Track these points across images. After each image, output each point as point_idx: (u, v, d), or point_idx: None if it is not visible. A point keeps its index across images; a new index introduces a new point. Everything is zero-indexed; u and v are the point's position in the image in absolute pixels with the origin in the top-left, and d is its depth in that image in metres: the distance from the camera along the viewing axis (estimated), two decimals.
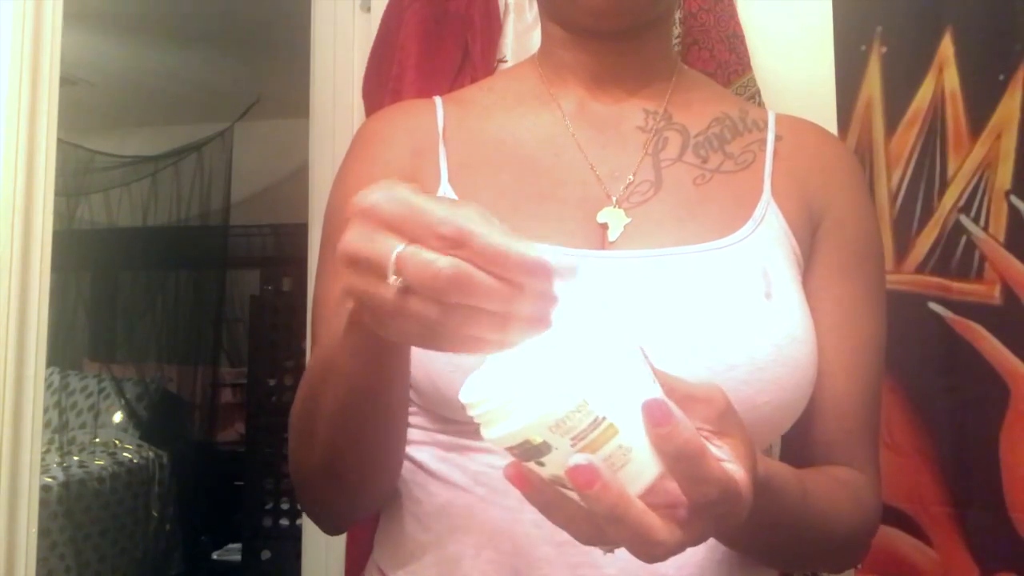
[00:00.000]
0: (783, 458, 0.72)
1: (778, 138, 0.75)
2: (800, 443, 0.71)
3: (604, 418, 0.40)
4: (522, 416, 0.39)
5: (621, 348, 0.41)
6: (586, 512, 0.42)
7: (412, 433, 0.69)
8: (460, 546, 0.64)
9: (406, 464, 0.69)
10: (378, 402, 0.58)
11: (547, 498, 0.44)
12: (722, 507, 0.43)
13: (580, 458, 0.39)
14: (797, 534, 0.61)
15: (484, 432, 0.42)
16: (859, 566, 1.28)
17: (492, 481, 0.63)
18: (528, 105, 0.76)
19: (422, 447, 0.68)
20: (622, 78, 0.75)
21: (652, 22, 0.74)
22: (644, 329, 0.61)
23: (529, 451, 0.41)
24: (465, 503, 0.64)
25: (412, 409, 0.68)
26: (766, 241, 0.68)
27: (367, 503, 0.70)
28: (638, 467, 0.41)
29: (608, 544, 0.44)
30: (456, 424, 0.65)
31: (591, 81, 0.75)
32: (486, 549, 0.63)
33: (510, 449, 0.42)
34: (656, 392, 0.42)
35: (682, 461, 0.41)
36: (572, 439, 0.39)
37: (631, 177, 0.71)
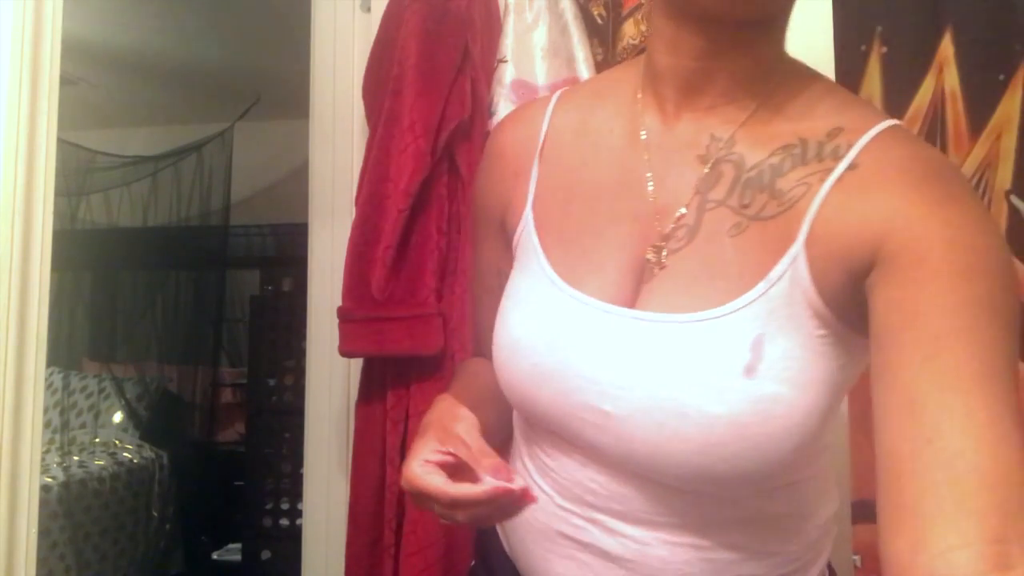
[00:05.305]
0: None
1: (852, 167, 0.66)
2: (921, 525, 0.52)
3: None
4: None
5: None
6: None
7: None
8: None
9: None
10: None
11: None
12: None
13: None
14: None
15: None
16: (859, 565, 1.28)
17: (541, 467, 0.77)
18: (616, 120, 0.78)
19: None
20: (714, 84, 0.72)
21: (770, 19, 0.71)
22: (623, 395, 0.68)
23: None
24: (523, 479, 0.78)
25: None
26: (775, 302, 0.65)
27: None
28: None
29: None
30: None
31: (681, 90, 0.73)
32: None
33: None
34: None
35: None
36: None
37: (678, 215, 0.71)
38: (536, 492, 0.77)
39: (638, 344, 0.68)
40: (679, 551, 0.70)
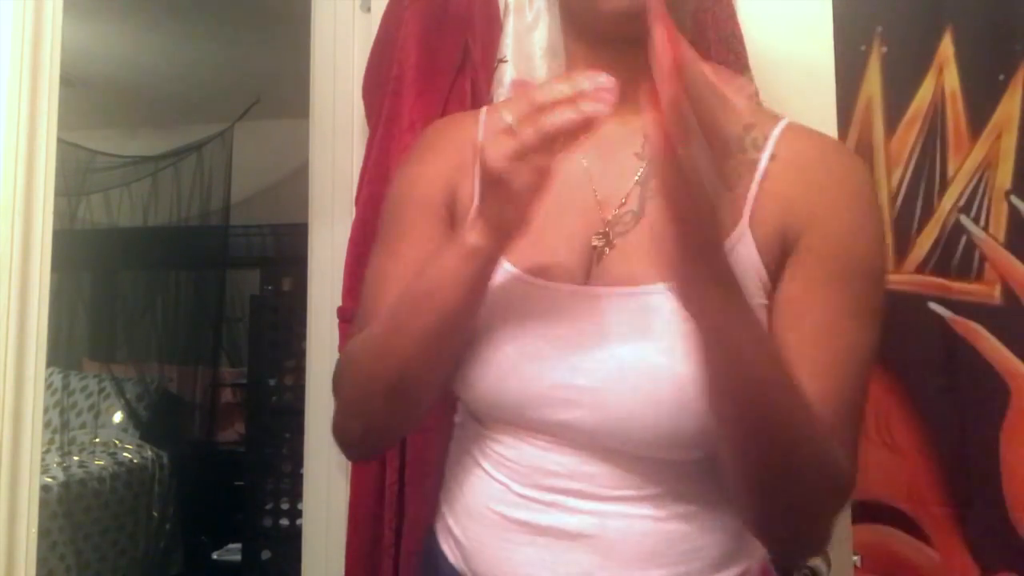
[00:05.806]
0: None
1: (772, 158, 0.76)
2: None
3: None
4: None
5: None
6: None
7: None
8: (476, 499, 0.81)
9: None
10: (460, 325, 0.73)
11: None
12: None
13: None
14: (776, 413, 0.65)
15: None
16: (859, 565, 1.28)
17: (496, 459, 0.79)
18: None
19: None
20: (633, 94, 0.75)
21: None
22: (595, 366, 0.71)
23: None
24: (476, 475, 0.82)
25: None
26: None
27: (410, 423, 0.87)
28: None
29: None
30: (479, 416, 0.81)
31: None
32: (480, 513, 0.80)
33: None
34: None
35: None
36: None
37: (621, 202, 0.77)
38: (492, 484, 0.79)
39: (604, 316, 0.73)
40: (637, 523, 0.73)
